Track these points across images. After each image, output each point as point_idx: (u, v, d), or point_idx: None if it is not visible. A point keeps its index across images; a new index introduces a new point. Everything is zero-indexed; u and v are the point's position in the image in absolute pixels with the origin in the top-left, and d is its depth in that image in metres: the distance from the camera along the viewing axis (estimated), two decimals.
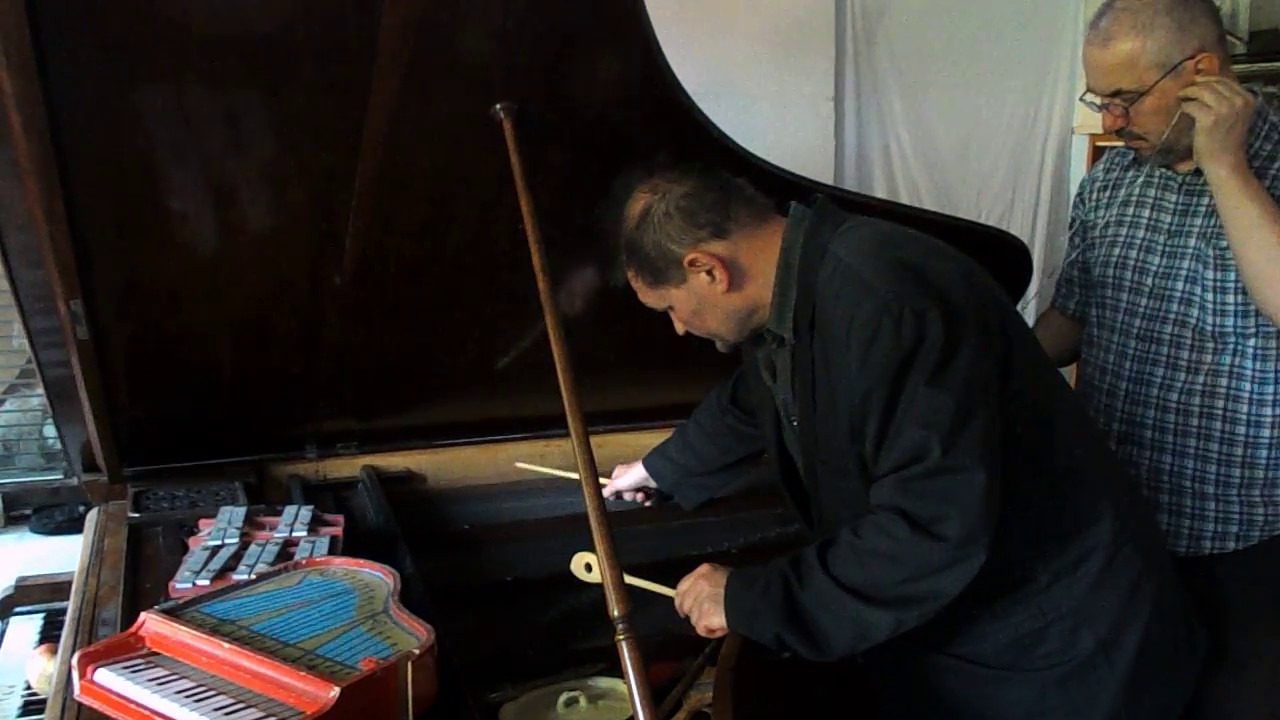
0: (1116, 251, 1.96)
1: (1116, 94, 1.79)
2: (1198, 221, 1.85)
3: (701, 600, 1.55)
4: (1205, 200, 1.83)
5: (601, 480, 2.15)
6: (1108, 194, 2.02)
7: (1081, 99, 1.89)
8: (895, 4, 3.48)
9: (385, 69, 1.62)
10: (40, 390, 2.72)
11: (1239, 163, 1.72)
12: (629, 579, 1.81)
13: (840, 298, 1.47)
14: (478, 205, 1.92)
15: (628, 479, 2.15)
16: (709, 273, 1.56)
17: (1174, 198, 1.89)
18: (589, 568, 1.79)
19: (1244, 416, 1.84)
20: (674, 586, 1.63)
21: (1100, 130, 1.90)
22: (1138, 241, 1.93)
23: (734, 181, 1.61)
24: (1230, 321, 1.82)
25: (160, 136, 1.66)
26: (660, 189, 1.58)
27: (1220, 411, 1.85)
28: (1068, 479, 1.56)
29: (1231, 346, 1.83)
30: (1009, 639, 1.56)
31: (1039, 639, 1.55)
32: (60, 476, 2.96)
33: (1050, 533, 1.54)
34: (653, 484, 2.14)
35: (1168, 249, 1.89)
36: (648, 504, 2.17)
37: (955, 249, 1.57)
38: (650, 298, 1.65)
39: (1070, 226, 2.15)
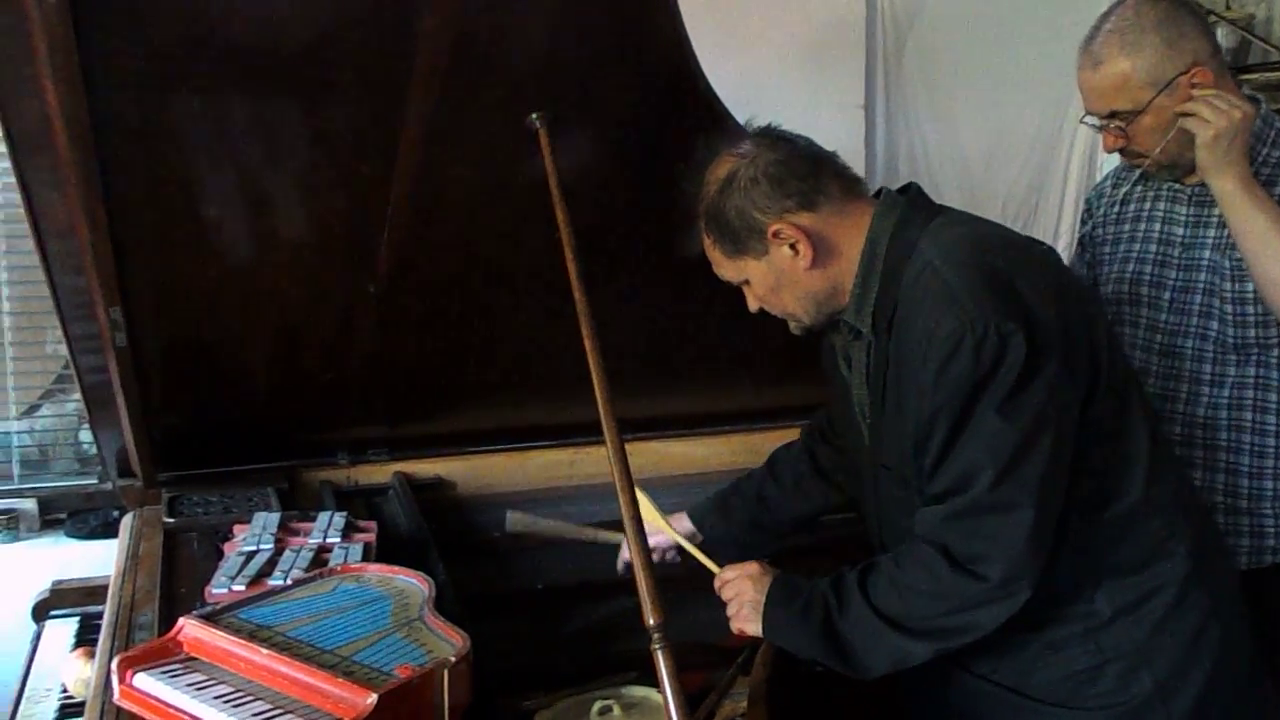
0: (1130, 267, 1.94)
1: (1113, 115, 1.78)
2: (1210, 233, 1.83)
3: (742, 603, 1.54)
4: (1216, 211, 1.81)
5: (612, 536, 1.96)
6: (1116, 209, 2.00)
7: (1082, 120, 1.88)
8: (925, 13, 3.48)
9: (423, 80, 1.64)
10: (75, 396, 2.76)
11: (1244, 174, 1.70)
12: (679, 539, 1.79)
13: (924, 303, 1.39)
14: (512, 214, 1.93)
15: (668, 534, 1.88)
16: (792, 246, 1.48)
17: (1184, 210, 1.88)
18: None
19: (1273, 428, 1.82)
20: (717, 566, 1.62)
21: None
22: (1151, 256, 1.91)
23: (825, 153, 1.53)
24: (1252, 332, 1.80)
25: (200, 146, 1.68)
26: (748, 154, 1.49)
27: (1249, 424, 1.83)
28: (1141, 512, 1.47)
29: (1255, 357, 1.81)
30: (1062, 673, 1.48)
31: (1094, 677, 1.47)
32: (95, 481, 2.99)
33: (1118, 566, 1.47)
34: (697, 539, 1.89)
35: (1182, 262, 1.87)
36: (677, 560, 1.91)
37: (1048, 256, 1.50)
38: (727, 269, 1.56)
39: (1080, 242, 2.12)
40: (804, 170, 1.48)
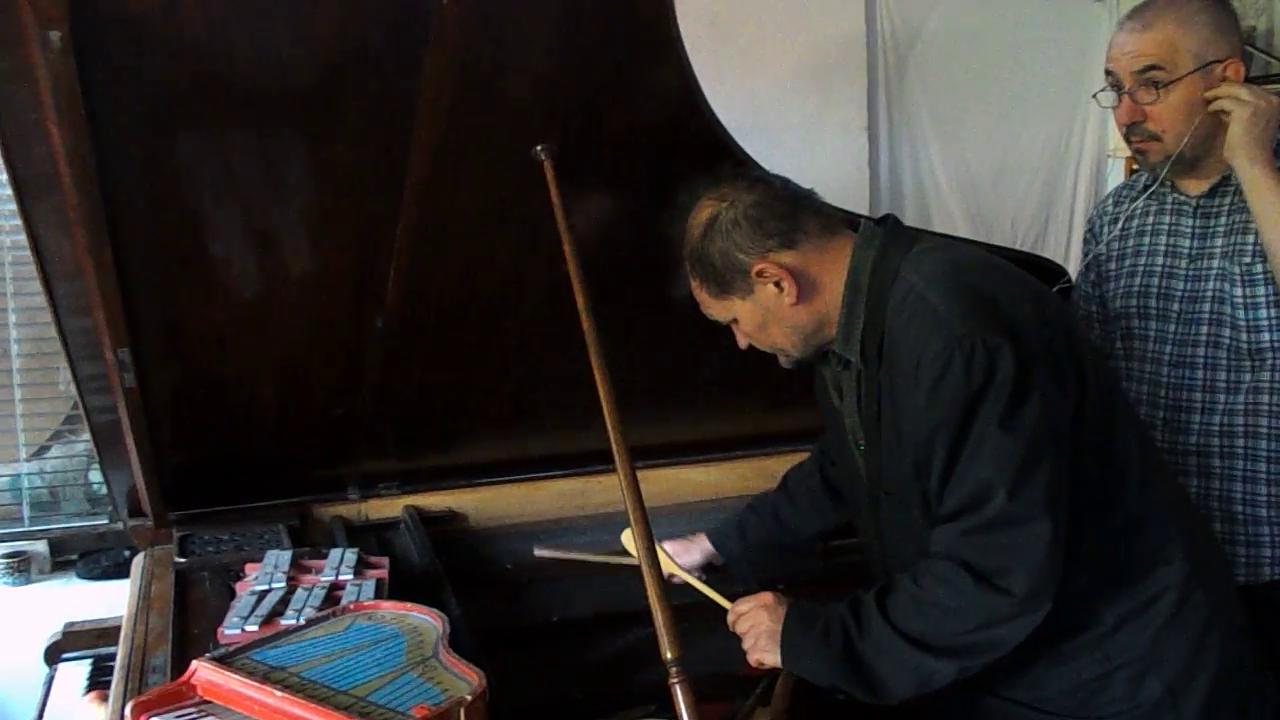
0: (1138, 281, 1.95)
1: (1148, 70, 1.78)
2: (1218, 242, 1.84)
3: (759, 633, 1.53)
4: (1223, 221, 1.83)
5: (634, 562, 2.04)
6: (1119, 226, 2.01)
7: (1095, 95, 1.90)
8: (926, 33, 3.48)
9: (427, 115, 1.64)
10: (86, 436, 2.76)
11: (1271, 161, 1.72)
12: (687, 577, 1.81)
13: (910, 328, 1.42)
14: (519, 246, 1.93)
15: (689, 558, 1.93)
16: (777, 284, 1.52)
17: (1190, 222, 1.89)
18: None
19: None
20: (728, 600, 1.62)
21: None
22: (1158, 269, 1.92)
23: (803, 191, 1.57)
24: (1266, 336, 1.80)
25: (206, 185, 1.68)
26: (728, 197, 1.54)
27: (1265, 430, 1.83)
28: (1139, 519, 1.50)
29: (1270, 362, 1.81)
30: (1072, 684, 1.50)
31: (1104, 685, 1.49)
32: (106, 521, 2.98)
33: (1118, 575, 1.49)
34: (718, 560, 1.96)
35: (1190, 273, 1.88)
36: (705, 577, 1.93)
37: (1028, 276, 1.53)
38: (715, 309, 1.61)
39: (1084, 261, 2.12)
40: (782, 210, 1.52)
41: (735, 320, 1.59)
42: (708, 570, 1.94)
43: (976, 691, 1.54)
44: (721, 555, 1.95)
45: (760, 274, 1.51)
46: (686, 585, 1.84)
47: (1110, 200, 2.08)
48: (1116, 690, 1.49)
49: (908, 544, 1.50)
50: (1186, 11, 1.77)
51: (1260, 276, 1.78)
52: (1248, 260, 1.79)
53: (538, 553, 2.10)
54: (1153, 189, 1.93)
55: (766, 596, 1.56)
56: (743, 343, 1.63)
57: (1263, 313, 1.79)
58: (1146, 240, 1.95)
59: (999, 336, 1.36)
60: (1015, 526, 1.36)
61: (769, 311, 1.55)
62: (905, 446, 1.46)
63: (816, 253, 1.52)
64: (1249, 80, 1.81)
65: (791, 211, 1.52)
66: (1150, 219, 1.96)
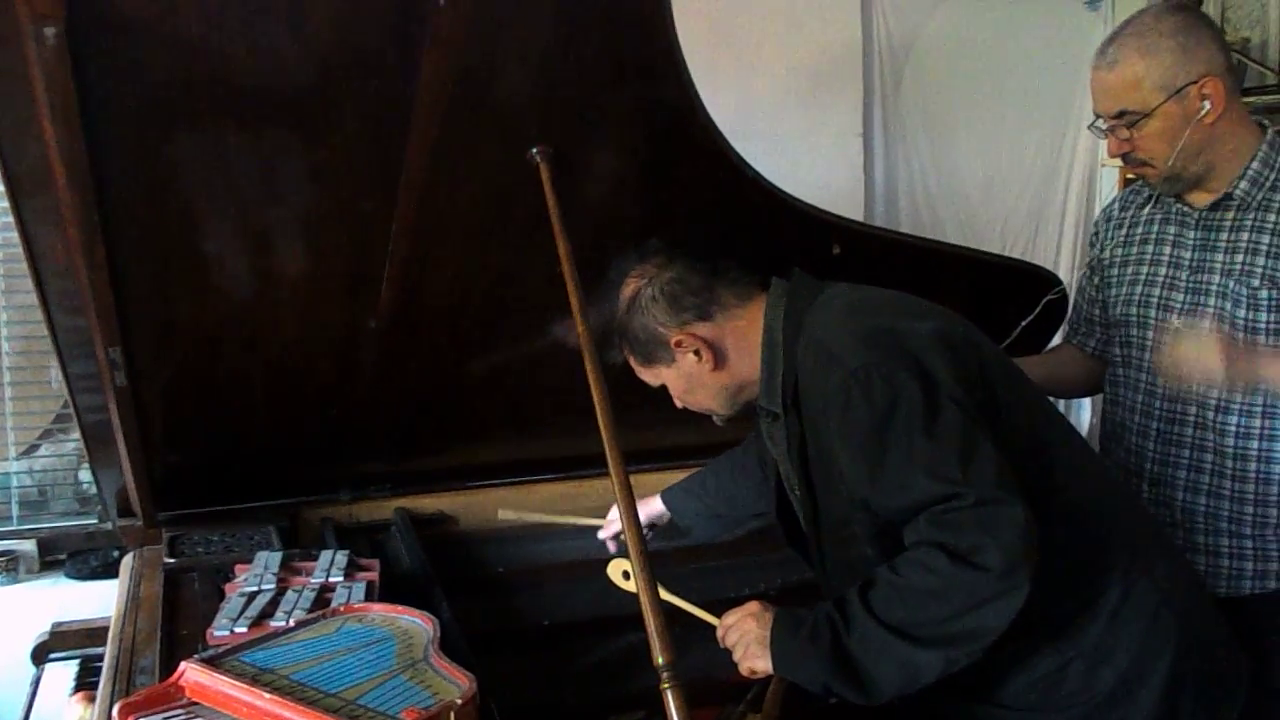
0: (1139, 290, 1.95)
1: (1121, 115, 1.80)
2: (1219, 257, 1.84)
3: (748, 642, 1.53)
4: (1224, 235, 1.83)
5: (595, 521, 2.14)
6: (1124, 232, 2.01)
7: (1089, 127, 1.91)
8: (922, 41, 3.49)
9: (423, 116, 1.64)
10: (75, 435, 2.74)
11: None
12: (673, 599, 1.82)
13: (814, 373, 1.51)
14: (514, 248, 1.93)
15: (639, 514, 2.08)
16: (696, 353, 1.63)
17: (1192, 233, 1.88)
18: (627, 575, 1.81)
19: None
20: (717, 616, 1.62)
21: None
22: (1159, 279, 1.92)
23: (720, 264, 1.66)
24: None
25: (200, 185, 1.68)
26: (647, 274, 1.65)
27: (1255, 452, 1.82)
28: (1073, 513, 1.54)
29: (1262, 386, 1.79)
30: (1029, 680, 1.53)
31: (1060, 678, 1.52)
32: (95, 521, 2.96)
33: (1059, 569, 1.48)
34: (664, 520, 2.11)
35: (1191, 285, 1.87)
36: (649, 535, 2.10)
37: (932, 305, 1.59)
38: (645, 375, 1.72)
39: (1089, 266, 2.12)
40: (697, 284, 1.64)
41: (664, 385, 1.70)
42: (647, 530, 2.06)
43: (947, 694, 1.52)
44: (680, 519, 2.10)
45: (679, 345, 1.63)
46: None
47: (1116, 206, 2.08)
48: (1073, 683, 1.52)
49: (852, 578, 1.50)
50: (1150, 40, 1.76)
51: (1265, 302, 1.77)
52: (1255, 284, 1.78)
53: (501, 516, 2.25)
54: (1157, 196, 1.93)
55: (753, 605, 1.57)
56: (678, 404, 1.73)
57: (1262, 338, 1.79)
58: (1150, 249, 1.95)
59: (892, 363, 1.44)
60: (984, 506, 1.38)
61: (692, 378, 1.66)
62: (835, 482, 1.51)
63: (731, 321, 1.64)
64: (1244, 91, 1.81)
65: (707, 285, 1.64)
66: (1155, 228, 1.95)
